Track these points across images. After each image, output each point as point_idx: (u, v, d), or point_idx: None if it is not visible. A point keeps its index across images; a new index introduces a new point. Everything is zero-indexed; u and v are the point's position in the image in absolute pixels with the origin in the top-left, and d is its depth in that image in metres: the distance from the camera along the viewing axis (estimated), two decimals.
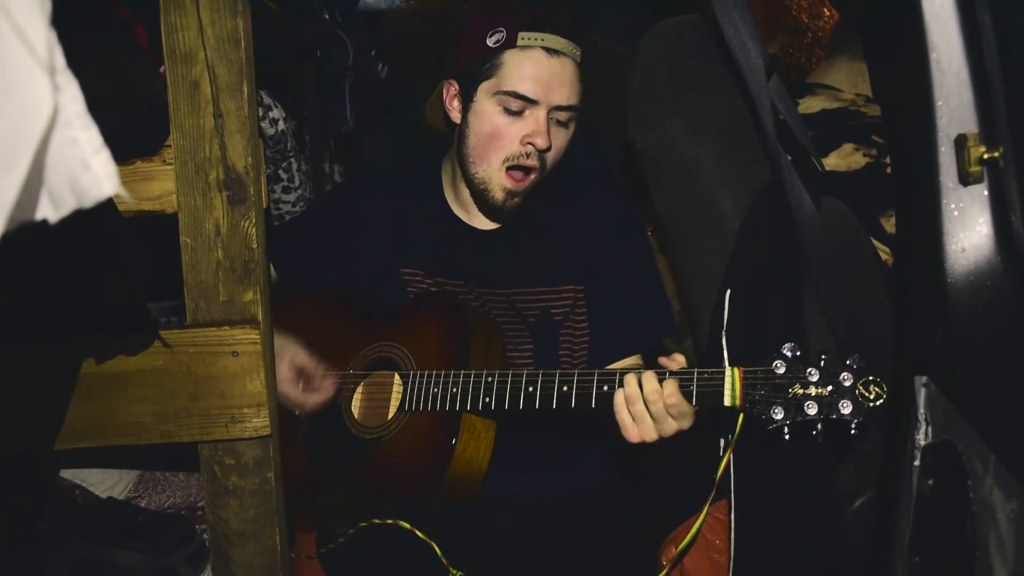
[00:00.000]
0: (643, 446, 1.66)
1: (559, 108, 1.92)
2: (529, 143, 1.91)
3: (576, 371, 1.71)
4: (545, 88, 1.90)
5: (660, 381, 1.62)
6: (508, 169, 1.94)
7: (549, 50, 1.91)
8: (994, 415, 1.24)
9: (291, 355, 1.98)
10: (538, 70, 1.90)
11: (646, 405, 1.62)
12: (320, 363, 2.00)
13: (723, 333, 1.73)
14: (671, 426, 1.63)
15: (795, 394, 1.53)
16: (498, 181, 1.95)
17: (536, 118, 1.91)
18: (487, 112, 1.94)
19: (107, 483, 2.13)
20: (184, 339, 1.65)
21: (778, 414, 1.52)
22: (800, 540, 1.76)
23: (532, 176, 1.95)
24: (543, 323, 2.02)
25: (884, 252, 2.02)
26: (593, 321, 2.04)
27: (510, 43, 1.91)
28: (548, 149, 1.92)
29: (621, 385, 1.65)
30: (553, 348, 2.02)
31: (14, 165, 0.68)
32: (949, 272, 1.31)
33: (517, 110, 1.92)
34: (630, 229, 2.09)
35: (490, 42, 1.92)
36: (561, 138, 1.95)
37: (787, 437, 1.53)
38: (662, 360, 1.68)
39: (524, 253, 2.05)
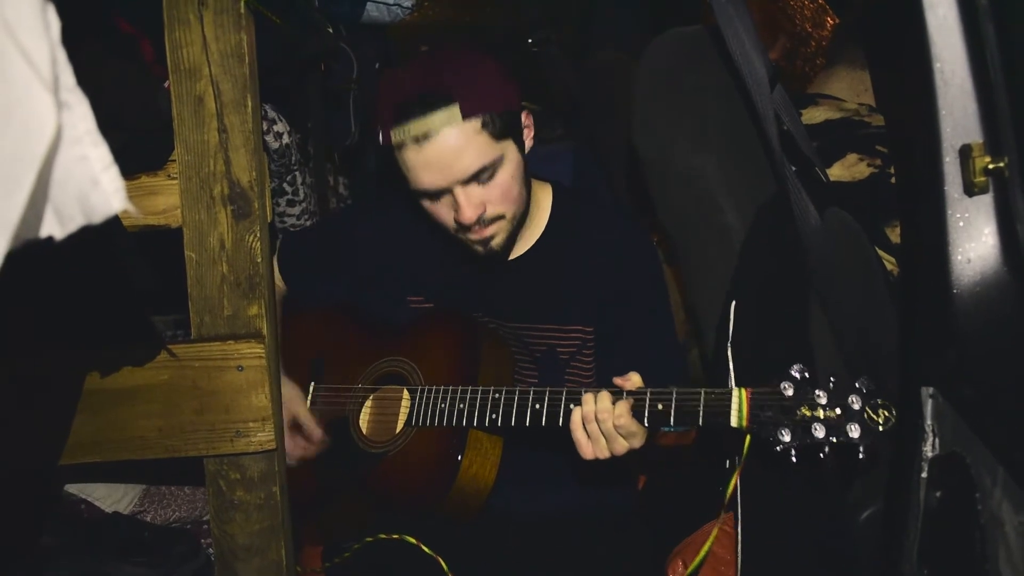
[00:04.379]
0: (606, 462, 1.68)
1: (471, 179, 1.78)
2: (457, 221, 1.83)
3: (583, 389, 1.71)
4: (436, 175, 1.77)
5: (614, 401, 1.63)
6: (464, 233, 1.87)
7: (418, 139, 1.74)
8: (1002, 427, 1.23)
9: (292, 407, 1.99)
10: (421, 162, 1.76)
11: (597, 423, 1.64)
12: (317, 422, 2.01)
13: (728, 345, 1.73)
14: (621, 445, 1.64)
15: (803, 416, 1.50)
16: (466, 240, 1.88)
17: (452, 198, 1.80)
18: (417, 200, 1.87)
19: (112, 498, 2.13)
20: (189, 353, 1.65)
21: (785, 436, 1.50)
22: (807, 552, 1.75)
23: (494, 225, 1.86)
24: (549, 360, 2.00)
25: (889, 262, 2.02)
26: (600, 364, 2.00)
27: (388, 143, 1.79)
28: (480, 216, 1.81)
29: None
30: (559, 386, 1.96)
31: (17, 185, 0.68)
32: (955, 283, 1.30)
33: (435, 198, 1.83)
34: (645, 268, 2.01)
35: (381, 140, 1.81)
36: (495, 190, 1.81)
37: (794, 459, 1.51)
38: (616, 380, 1.67)
39: (533, 288, 2.01)
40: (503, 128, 1.78)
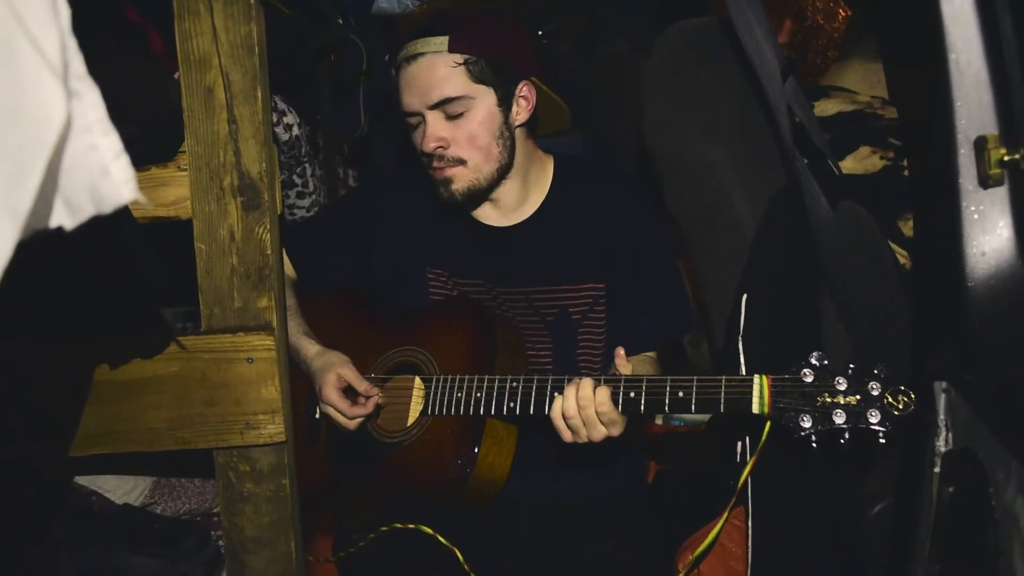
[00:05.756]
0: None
1: (437, 105, 1.94)
2: (419, 149, 1.98)
3: (602, 378, 1.71)
4: (413, 95, 1.95)
5: (594, 388, 1.68)
6: (430, 169, 2.00)
7: (409, 58, 1.96)
8: (1016, 421, 1.22)
9: (339, 369, 1.97)
10: (406, 82, 1.97)
11: (578, 409, 1.68)
12: (365, 379, 1.99)
13: (739, 337, 1.72)
14: (600, 432, 1.69)
15: (823, 403, 1.52)
16: (433, 179, 2.01)
17: (422, 125, 1.97)
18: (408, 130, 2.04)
19: (123, 489, 2.13)
20: (199, 345, 1.65)
21: (806, 422, 1.52)
22: (818, 547, 1.74)
23: (455, 168, 1.97)
24: (562, 321, 2.02)
25: (902, 255, 2.01)
26: (611, 318, 2.03)
27: (396, 69, 2.01)
28: (437, 149, 1.95)
29: (648, 393, 1.66)
30: (572, 347, 2.02)
31: (27, 174, 0.67)
32: (969, 276, 1.29)
33: (414, 123, 1.99)
34: (651, 222, 2.06)
35: (394, 74, 2.03)
36: (461, 129, 1.95)
37: (814, 445, 1.52)
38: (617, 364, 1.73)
39: (542, 250, 2.05)
40: (485, 73, 1.95)
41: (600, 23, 3.55)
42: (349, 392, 1.98)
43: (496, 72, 1.95)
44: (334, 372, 1.96)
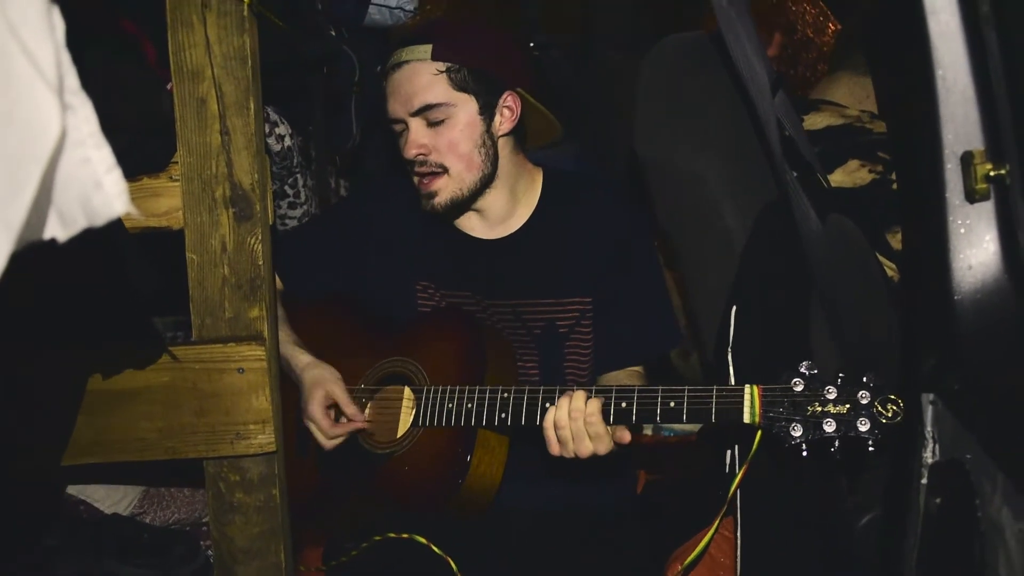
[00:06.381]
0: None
1: (419, 112, 1.96)
2: (404, 157, 2.00)
3: (593, 389, 1.72)
4: (397, 102, 1.98)
5: (586, 400, 1.69)
6: (414, 177, 2.01)
7: (394, 66, 1.99)
8: (1002, 433, 1.23)
9: (328, 386, 1.97)
10: (390, 89, 2.00)
11: (569, 421, 1.69)
12: (352, 399, 1.99)
13: (728, 350, 1.73)
14: (586, 446, 1.70)
15: (813, 412, 1.54)
16: (418, 190, 2.02)
17: (405, 132, 1.99)
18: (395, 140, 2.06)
19: (112, 499, 2.13)
20: (190, 355, 1.65)
21: (796, 431, 1.54)
22: (806, 558, 1.75)
23: (437, 179, 1.98)
24: (549, 335, 2.02)
25: (890, 268, 2.02)
26: (597, 332, 2.04)
27: (384, 77, 2.04)
28: (419, 156, 1.96)
29: (640, 403, 1.67)
30: (559, 360, 2.03)
31: (22, 186, 0.68)
32: (956, 289, 1.30)
33: (399, 131, 2.01)
34: (640, 239, 2.07)
35: (384, 83, 2.05)
36: (442, 136, 1.96)
37: (804, 454, 1.54)
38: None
39: (530, 264, 2.05)
40: (467, 82, 1.96)
41: (596, 34, 3.57)
42: (335, 410, 1.98)
43: (478, 81, 1.96)
44: (323, 389, 1.96)
